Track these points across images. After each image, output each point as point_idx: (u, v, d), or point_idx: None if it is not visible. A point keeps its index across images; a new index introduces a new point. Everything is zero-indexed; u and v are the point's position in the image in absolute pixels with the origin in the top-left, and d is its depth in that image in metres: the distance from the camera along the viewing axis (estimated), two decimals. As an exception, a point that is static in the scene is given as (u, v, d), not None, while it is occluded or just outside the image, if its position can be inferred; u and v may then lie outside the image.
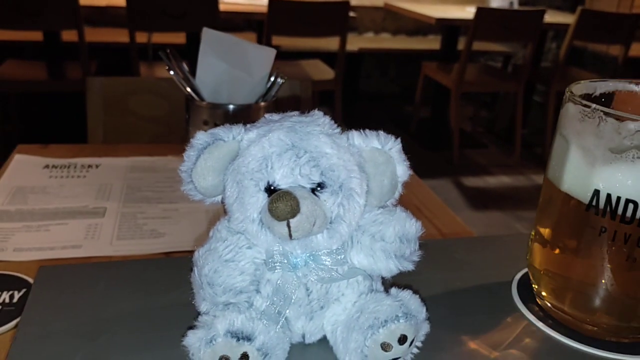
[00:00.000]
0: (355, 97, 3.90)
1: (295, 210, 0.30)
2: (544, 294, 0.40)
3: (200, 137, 0.32)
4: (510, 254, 0.50)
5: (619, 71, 3.37)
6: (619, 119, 0.33)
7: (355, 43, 3.54)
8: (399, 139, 0.34)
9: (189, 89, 0.80)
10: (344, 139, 0.33)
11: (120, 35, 2.70)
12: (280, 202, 0.29)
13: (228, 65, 0.81)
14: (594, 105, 0.34)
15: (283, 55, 3.12)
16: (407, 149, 0.35)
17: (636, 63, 3.71)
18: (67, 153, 0.92)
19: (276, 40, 2.84)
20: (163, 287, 0.41)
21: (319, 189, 0.31)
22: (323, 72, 2.92)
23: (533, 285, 0.42)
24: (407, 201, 0.87)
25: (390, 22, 4.00)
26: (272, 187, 0.31)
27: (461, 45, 3.09)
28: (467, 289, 0.44)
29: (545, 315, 0.40)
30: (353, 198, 0.32)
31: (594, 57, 4.05)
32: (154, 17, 2.34)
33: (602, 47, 3.84)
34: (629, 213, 0.33)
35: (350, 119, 3.52)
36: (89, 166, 0.87)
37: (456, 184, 2.92)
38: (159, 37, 2.85)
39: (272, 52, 0.81)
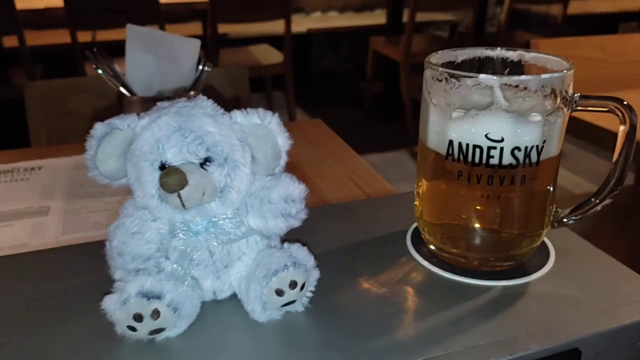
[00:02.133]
0: (308, 78, 3.93)
1: (183, 182, 0.34)
2: (427, 238, 0.46)
3: (98, 128, 0.37)
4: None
5: (560, 30, 3.48)
6: (459, 78, 0.38)
7: (304, 24, 3.57)
8: (276, 114, 0.39)
9: (120, 86, 0.83)
10: (227, 118, 0.38)
11: (63, 37, 2.67)
12: (169, 177, 0.34)
13: (156, 59, 0.84)
14: (441, 69, 0.39)
15: (231, 43, 3.13)
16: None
17: (576, 20, 3.84)
18: (10, 158, 0.94)
19: (222, 28, 2.85)
20: (94, 267, 0.45)
21: (207, 163, 0.36)
22: (272, 56, 2.94)
23: (421, 234, 0.48)
24: (342, 173, 0.92)
25: (336, 0, 4.02)
26: (165, 166, 0.36)
27: (406, 17, 3.15)
28: (367, 240, 0.49)
29: (431, 255, 0.46)
30: (238, 168, 0.37)
31: (537, 18, 4.16)
32: (93, 14, 2.33)
33: (544, 8, 3.96)
34: (477, 157, 0.39)
35: (304, 100, 3.56)
36: (32, 169, 0.90)
37: (412, 154, 3.00)
38: (104, 35, 2.82)
39: (196, 43, 0.85)
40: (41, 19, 3.02)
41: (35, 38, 2.76)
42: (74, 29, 2.38)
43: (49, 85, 1.11)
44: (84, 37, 2.53)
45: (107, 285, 0.39)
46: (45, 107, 1.10)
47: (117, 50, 0.88)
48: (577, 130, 1.07)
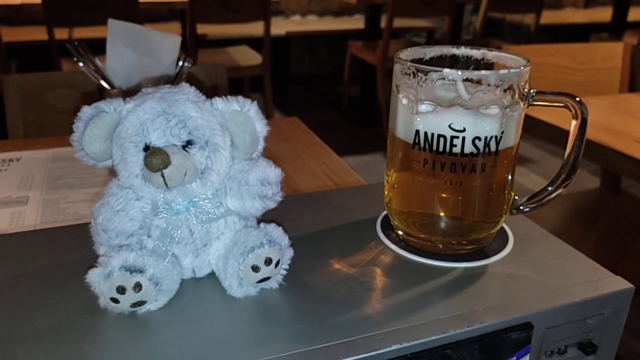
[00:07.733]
0: (287, 81, 3.96)
1: (166, 162, 0.37)
2: (396, 224, 0.49)
3: (85, 110, 0.39)
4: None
5: (533, 39, 3.57)
6: (425, 72, 0.41)
7: (283, 27, 3.59)
8: (255, 102, 0.41)
9: (101, 79, 0.85)
10: (208, 104, 0.40)
11: (39, 33, 2.65)
12: (153, 157, 0.36)
13: (136, 53, 0.86)
14: (409, 63, 0.42)
15: (210, 43, 3.14)
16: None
17: (549, 30, 3.94)
18: (-12, 150, 0.94)
19: (201, 28, 2.85)
20: (75, 247, 0.47)
21: (189, 146, 0.39)
22: (251, 57, 2.96)
23: (390, 221, 0.50)
24: (317, 168, 0.95)
25: (315, 4, 4.06)
26: (149, 147, 0.38)
27: (384, 23, 3.20)
28: (339, 226, 0.52)
29: (399, 240, 0.49)
30: (218, 151, 0.39)
31: (512, 27, 4.26)
32: (71, 11, 2.32)
33: (518, 17, 4.05)
34: (441, 146, 0.42)
35: (282, 102, 3.59)
36: (10, 160, 0.90)
37: (388, 157, 3.04)
38: (81, 32, 2.80)
39: (177, 39, 0.87)
40: (17, 14, 2.98)
41: (11, 34, 2.73)
42: (51, 25, 2.36)
43: (27, 78, 1.11)
44: (60, 34, 2.51)
45: (90, 263, 0.41)
46: (23, 100, 1.11)
47: (94, 47, 0.89)
48: (550, 135, 1.12)
